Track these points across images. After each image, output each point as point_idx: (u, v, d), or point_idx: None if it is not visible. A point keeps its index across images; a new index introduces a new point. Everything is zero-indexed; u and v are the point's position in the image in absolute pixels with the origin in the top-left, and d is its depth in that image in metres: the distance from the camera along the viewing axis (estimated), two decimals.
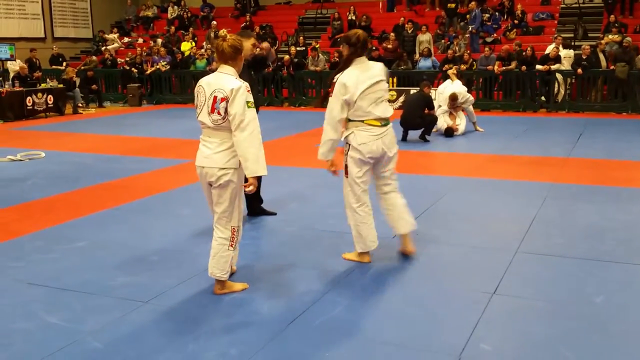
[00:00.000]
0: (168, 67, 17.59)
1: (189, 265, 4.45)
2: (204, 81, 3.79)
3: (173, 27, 20.23)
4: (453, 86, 10.99)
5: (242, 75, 5.31)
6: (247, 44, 5.20)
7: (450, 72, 11.83)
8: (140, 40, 21.04)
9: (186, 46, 18.77)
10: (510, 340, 3.31)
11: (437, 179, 7.43)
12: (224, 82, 3.68)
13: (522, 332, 3.40)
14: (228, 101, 3.62)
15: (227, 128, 3.69)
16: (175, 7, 21.87)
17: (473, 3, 17.23)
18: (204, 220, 5.59)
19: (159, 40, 19.59)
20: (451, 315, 3.62)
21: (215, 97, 3.66)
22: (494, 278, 4.13)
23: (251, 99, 3.69)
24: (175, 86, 17.80)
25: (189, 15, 21.54)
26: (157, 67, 17.61)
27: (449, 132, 10.48)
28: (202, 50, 18.02)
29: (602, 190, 6.56)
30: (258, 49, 5.35)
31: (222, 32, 3.80)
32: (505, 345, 3.25)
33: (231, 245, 3.87)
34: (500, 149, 9.23)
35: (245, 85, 3.70)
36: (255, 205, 5.65)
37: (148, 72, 17.64)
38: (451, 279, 4.19)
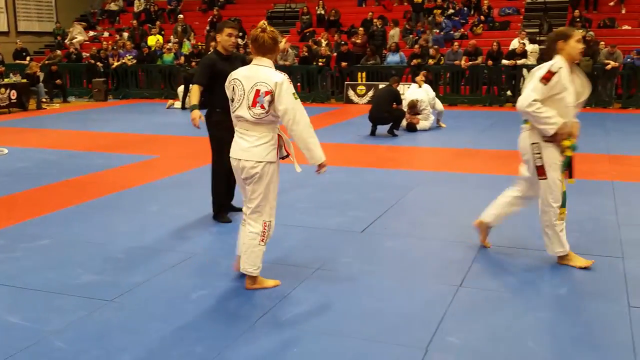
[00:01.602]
0: (134, 61, 17.35)
1: (156, 262, 4.40)
2: (239, 74, 3.73)
3: (136, 21, 19.89)
4: (419, 92, 10.75)
5: (227, 68, 5.22)
6: (223, 35, 5.15)
7: (417, 78, 11.42)
8: (106, 34, 20.70)
9: (153, 40, 18.53)
10: (477, 333, 3.35)
11: (405, 173, 7.47)
12: (265, 74, 3.63)
13: (488, 324, 3.44)
14: (273, 95, 3.59)
15: (268, 122, 3.67)
16: (142, 0, 21.57)
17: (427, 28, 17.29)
18: (171, 217, 5.54)
19: (125, 34, 19.30)
20: (418, 309, 3.64)
21: (257, 91, 3.61)
22: (461, 271, 4.17)
23: (294, 89, 3.67)
24: (142, 81, 17.56)
25: (155, 8, 21.27)
26: (123, 61, 17.34)
27: (411, 127, 10.52)
28: (170, 44, 17.80)
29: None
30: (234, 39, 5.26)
31: (262, 23, 3.73)
32: (471, 338, 3.28)
33: (262, 240, 3.82)
34: (467, 143, 9.32)
35: (287, 76, 3.68)
36: (225, 202, 5.60)
37: (114, 66, 17.37)
38: (418, 272, 4.22)
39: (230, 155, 3.82)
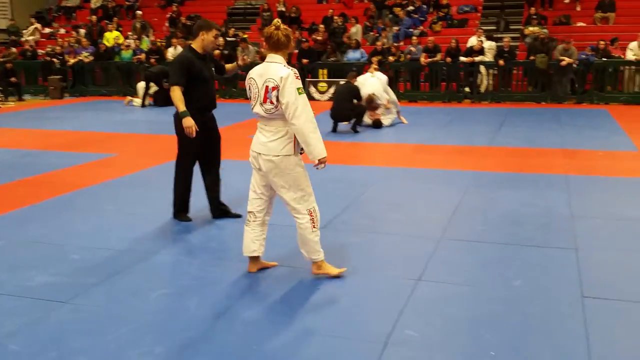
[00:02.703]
0: (91, 58, 17.01)
1: (113, 263, 4.33)
2: (254, 73, 3.85)
3: (93, 18, 19.51)
4: (372, 81, 10.70)
5: (203, 68, 5.07)
6: (209, 35, 5.03)
7: (370, 68, 11.42)
8: (62, 31, 20.26)
9: (111, 36, 18.20)
10: (435, 325, 3.40)
11: (366, 169, 7.52)
12: (274, 70, 3.74)
13: (446, 316, 3.50)
14: (279, 89, 3.67)
15: (280, 116, 3.75)
16: None
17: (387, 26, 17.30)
18: (129, 216, 5.47)
19: (82, 31, 18.92)
20: (378, 303, 3.68)
21: (267, 87, 3.73)
22: (419, 265, 4.23)
23: (300, 84, 3.72)
24: (99, 78, 17.23)
25: (113, 4, 20.89)
26: (80, 58, 16.99)
27: (377, 124, 10.57)
28: (128, 40, 17.51)
29: (521, 177, 6.81)
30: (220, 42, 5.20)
31: (277, 21, 3.84)
32: (429, 330, 3.33)
33: (313, 227, 3.91)
34: (427, 139, 9.42)
35: (293, 71, 3.73)
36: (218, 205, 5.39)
37: (70, 63, 17.00)
38: (378, 267, 4.25)
39: (251, 148, 3.93)
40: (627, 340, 3.21)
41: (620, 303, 3.62)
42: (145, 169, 7.37)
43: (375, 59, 14.08)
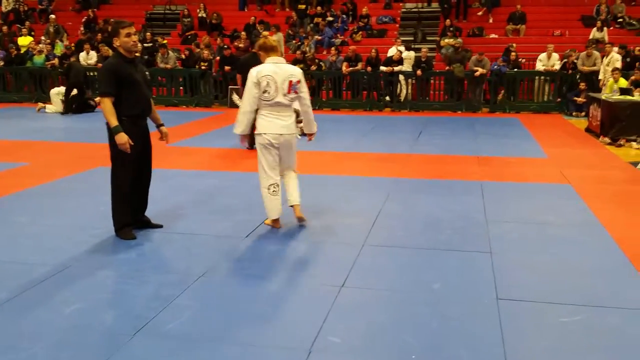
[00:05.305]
0: (1, 63, 16.22)
1: (25, 277, 4.13)
2: (269, 70, 4.89)
3: (2, 22, 18.65)
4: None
5: (132, 71, 4.82)
6: (121, 37, 4.78)
7: None
8: None
9: (25, 41, 17.41)
10: (358, 331, 3.44)
11: None
12: (292, 69, 5.03)
13: (369, 321, 3.55)
14: (300, 82, 4.98)
15: (294, 104, 5.04)
16: None
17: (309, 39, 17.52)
18: (42, 228, 5.24)
19: None
20: (301, 311, 3.69)
21: (290, 82, 4.92)
22: (343, 271, 4.27)
23: None
24: (9, 83, 16.44)
25: (25, 8, 20.03)
26: None
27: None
28: (41, 45, 16.81)
29: (439, 183, 7.02)
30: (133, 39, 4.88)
31: (265, 33, 4.62)
32: (352, 336, 3.37)
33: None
34: (349, 147, 9.54)
35: None
36: (137, 217, 5.18)
37: None
38: (301, 274, 4.27)
39: (269, 131, 4.95)
40: (540, 339, 3.35)
41: (533, 304, 3.79)
42: (59, 179, 7.08)
43: None
